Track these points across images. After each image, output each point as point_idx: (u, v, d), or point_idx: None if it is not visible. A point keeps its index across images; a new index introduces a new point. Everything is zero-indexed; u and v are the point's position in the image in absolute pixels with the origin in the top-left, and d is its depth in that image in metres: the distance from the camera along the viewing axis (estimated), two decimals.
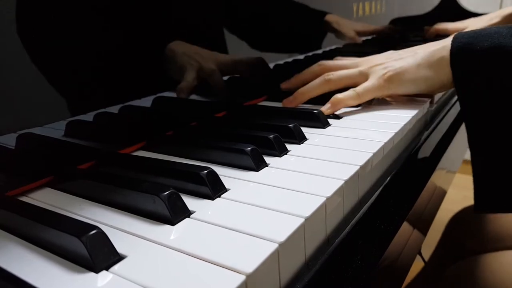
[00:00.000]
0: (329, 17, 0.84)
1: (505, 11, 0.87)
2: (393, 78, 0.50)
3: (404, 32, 1.15)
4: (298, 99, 0.54)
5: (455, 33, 0.48)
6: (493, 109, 0.42)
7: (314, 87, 0.54)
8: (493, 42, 0.43)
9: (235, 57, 0.60)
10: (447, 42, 0.48)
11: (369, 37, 1.08)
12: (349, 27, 0.92)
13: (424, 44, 0.54)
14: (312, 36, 0.85)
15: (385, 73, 0.51)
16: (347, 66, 0.56)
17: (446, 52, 0.47)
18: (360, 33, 0.97)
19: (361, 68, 0.54)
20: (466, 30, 0.82)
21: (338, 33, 0.90)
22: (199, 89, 0.55)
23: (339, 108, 0.50)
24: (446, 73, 0.48)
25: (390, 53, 0.56)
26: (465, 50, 0.45)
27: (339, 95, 0.50)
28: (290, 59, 0.76)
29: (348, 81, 0.54)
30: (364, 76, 0.53)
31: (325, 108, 0.50)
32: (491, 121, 0.43)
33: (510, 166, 0.42)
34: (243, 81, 0.62)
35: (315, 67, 0.58)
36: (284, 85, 0.59)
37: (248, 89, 0.62)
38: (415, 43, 0.81)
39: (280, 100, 0.56)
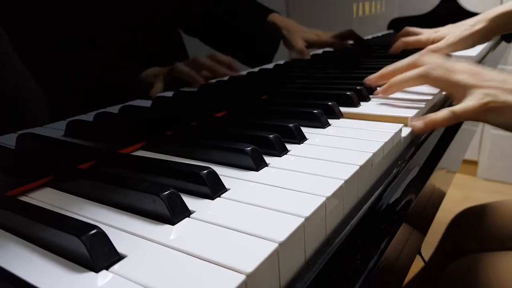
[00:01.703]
0: (274, 18, 0.64)
1: (490, 14, 0.80)
2: (493, 110, 0.46)
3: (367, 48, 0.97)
4: (392, 89, 0.54)
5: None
6: None
7: (411, 78, 0.53)
8: None
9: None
10: None
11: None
12: (299, 36, 0.71)
13: None
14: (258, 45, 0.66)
15: (487, 102, 0.46)
16: (445, 67, 0.52)
17: None
18: (311, 44, 0.77)
19: (460, 80, 0.49)
20: (448, 38, 0.79)
21: (286, 42, 0.70)
22: None
23: (430, 129, 0.48)
24: None
25: (497, 75, 0.50)
26: None
27: (434, 116, 0.47)
28: (290, 59, 0.76)
29: (443, 86, 0.52)
30: (462, 91, 0.49)
31: (417, 126, 0.47)
32: None
33: None
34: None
35: (409, 62, 0.55)
36: (370, 81, 0.58)
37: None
38: (380, 60, 0.78)
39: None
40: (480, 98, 0.47)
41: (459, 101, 0.49)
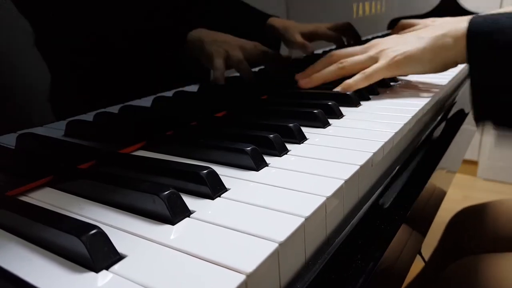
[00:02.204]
0: (272, 21, 0.68)
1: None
2: (401, 61, 0.56)
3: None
4: (314, 82, 0.61)
5: (471, 17, 0.52)
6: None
7: (329, 73, 0.60)
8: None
9: (260, 47, 0.61)
10: (450, 28, 0.55)
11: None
12: (296, 30, 0.72)
13: (426, 28, 0.60)
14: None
15: (394, 56, 0.56)
16: (357, 52, 0.60)
17: (450, 38, 0.54)
18: (309, 36, 0.76)
19: (370, 53, 0.59)
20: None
21: (285, 40, 0.71)
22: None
23: (352, 90, 0.56)
24: (449, 56, 0.55)
25: (395, 37, 0.61)
26: (482, 39, 0.50)
27: (349, 81, 0.57)
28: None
29: (360, 66, 0.58)
30: (374, 60, 0.58)
31: (338, 89, 0.57)
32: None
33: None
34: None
35: (327, 58, 0.62)
36: (299, 76, 0.63)
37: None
38: None
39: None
40: (387, 58, 0.57)
41: None
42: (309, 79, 0.60)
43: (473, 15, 0.53)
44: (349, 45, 0.91)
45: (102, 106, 0.44)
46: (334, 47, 0.92)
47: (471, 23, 0.51)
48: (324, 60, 0.62)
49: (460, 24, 0.53)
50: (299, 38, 0.72)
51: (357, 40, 0.93)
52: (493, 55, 0.49)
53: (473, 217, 0.81)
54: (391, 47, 0.58)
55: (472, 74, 0.50)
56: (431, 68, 0.57)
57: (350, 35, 0.91)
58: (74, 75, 0.40)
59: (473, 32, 0.51)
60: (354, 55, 0.60)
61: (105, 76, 0.43)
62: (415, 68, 0.57)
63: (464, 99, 0.70)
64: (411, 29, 0.86)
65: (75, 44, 0.40)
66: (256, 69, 0.66)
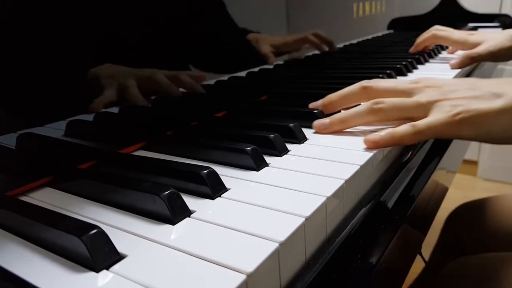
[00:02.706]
0: (250, 36, 0.67)
1: None
2: (467, 121, 0.40)
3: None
4: (335, 127, 0.44)
5: None
6: None
7: (358, 116, 0.44)
8: None
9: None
10: None
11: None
12: (266, 43, 0.70)
13: (508, 80, 0.43)
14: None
15: (457, 113, 0.40)
16: (400, 90, 0.45)
17: None
18: (278, 48, 0.73)
19: (420, 100, 0.43)
20: (490, 45, 0.76)
21: (256, 51, 0.70)
22: None
23: (387, 145, 0.40)
24: None
25: (458, 82, 0.44)
26: None
27: (394, 131, 0.40)
28: (291, 59, 0.76)
29: (402, 114, 0.43)
30: (423, 111, 0.42)
31: (372, 139, 0.40)
32: None
33: None
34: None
35: (358, 89, 0.47)
36: (314, 107, 0.50)
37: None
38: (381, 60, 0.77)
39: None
40: (449, 110, 0.40)
41: None
42: (329, 124, 0.44)
43: None
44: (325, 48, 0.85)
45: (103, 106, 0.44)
46: (341, 45, 0.91)
47: None
48: (354, 90, 0.47)
49: None
50: (265, 50, 0.69)
51: (330, 44, 0.88)
52: None
53: (472, 212, 0.81)
54: (450, 98, 0.41)
55: None
56: (503, 139, 0.41)
57: (321, 41, 0.85)
58: (74, 75, 0.40)
59: None
60: (395, 93, 0.45)
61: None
62: (482, 134, 0.40)
63: None
64: (447, 33, 0.83)
65: (74, 44, 0.40)
66: (256, 69, 0.66)
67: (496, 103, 0.39)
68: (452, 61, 0.78)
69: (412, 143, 0.42)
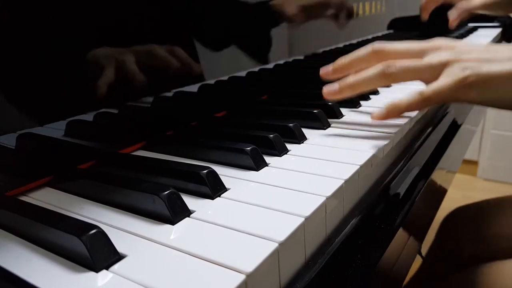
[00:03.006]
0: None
1: None
2: (475, 85, 0.38)
3: None
4: (345, 92, 0.43)
5: None
6: None
7: (368, 80, 0.42)
8: None
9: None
10: None
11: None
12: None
13: None
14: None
15: (466, 76, 0.38)
16: (411, 51, 0.43)
17: None
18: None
19: (431, 61, 0.41)
20: None
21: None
22: None
23: (396, 116, 0.40)
24: None
25: (473, 44, 0.43)
26: None
27: (399, 103, 0.40)
28: (290, 59, 0.76)
29: (414, 76, 0.42)
30: (433, 72, 0.41)
31: (378, 114, 0.40)
32: None
33: None
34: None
35: (369, 52, 0.45)
36: (326, 75, 0.48)
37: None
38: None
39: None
40: (457, 74, 0.38)
41: None
42: (339, 90, 0.44)
43: None
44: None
45: (103, 106, 0.44)
46: (341, 45, 0.91)
47: None
48: (363, 53, 0.45)
49: None
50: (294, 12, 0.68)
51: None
52: None
53: (467, 216, 0.81)
54: (462, 59, 0.40)
55: None
56: None
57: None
58: (73, 75, 0.40)
59: None
60: (407, 55, 0.43)
61: (105, 76, 0.43)
62: (494, 99, 0.39)
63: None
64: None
65: (74, 44, 0.40)
66: (256, 69, 0.66)
67: (509, 66, 0.37)
68: (451, 16, 0.82)
69: (420, 109, 0.42)
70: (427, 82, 0.41)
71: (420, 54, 0.43)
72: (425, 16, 0.92)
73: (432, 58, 0.41)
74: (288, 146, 0.41)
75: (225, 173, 0.35)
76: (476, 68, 0.38)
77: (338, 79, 0.46)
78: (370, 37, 1.13)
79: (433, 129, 0.56)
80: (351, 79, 0.43)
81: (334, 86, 0.44)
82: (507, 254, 0.66)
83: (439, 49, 0.42)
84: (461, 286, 0.63)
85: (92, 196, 0.33)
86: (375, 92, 0.61)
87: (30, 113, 0.37)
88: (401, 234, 0.34)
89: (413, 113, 0.49)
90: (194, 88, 0.53)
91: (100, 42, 0.41)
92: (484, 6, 0.82)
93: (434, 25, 1.08)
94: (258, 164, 0.36)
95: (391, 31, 1.25)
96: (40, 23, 0.37)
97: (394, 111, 0.40)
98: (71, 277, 0.23)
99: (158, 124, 0.46)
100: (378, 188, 0.40)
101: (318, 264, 0.28)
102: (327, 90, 0.44)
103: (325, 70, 0.48)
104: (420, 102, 0.40)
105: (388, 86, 0.45)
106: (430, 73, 0.41)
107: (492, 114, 2.00)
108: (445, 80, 0.39)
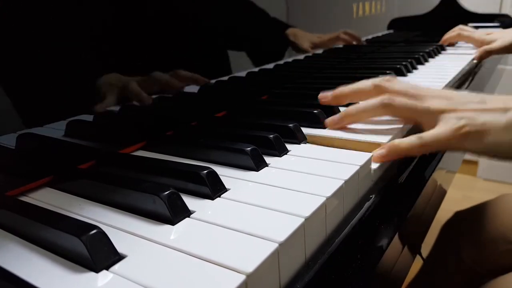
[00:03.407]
0: (289, 30, 0.74)
1: None
2: (471, 135, 0.39)
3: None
4: (346, 121, 0.46)
5: None
6: None
7: (368, 109, 0.45)
8: None
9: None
10: None
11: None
12: (306, 39, 0.80)
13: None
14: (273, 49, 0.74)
15: (462, 126, 0.39)
16: (410, 93, 0.45)
17: None
18: (316, 45, 0.84)
19: (430, 106, 0.43)
20: (504, 40, 0.90)
21: (294, 46, 0.77)
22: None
23: (395, 158, 0.40)
24: None
25: (469, 95, 0.44)
26: None
27: (399, 142, 0.40)
28: (290, 59, 0.76)
29: (411, 114, 0.44)
30: (431, 118, 0.42)
31: (378, 154, 0.40)
32: None
33: None
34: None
35: (370, 87, 0.47)
36: (324, 99, 0.51)
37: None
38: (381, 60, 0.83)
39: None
40: (454, 123, 0.40)
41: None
42: (339, 119, 0.46)
43: None
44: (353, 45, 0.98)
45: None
46: (341, 45, 0.92)
47: None
48: (365, 86, 0.48)
49: None
50: (305, 45, 0.78)
51: (358, 40, 1.01)
52: None
53: (468, 219, 0.81)
54: (459, 110, 0.41)
55: None
56: (509, 154, 0.40)
57: (351, 38, 0.98)
58: (73, 75, 0.40)
59: None
60: (407, 95, 0.45)
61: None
62: (486, 151, 0.40)
63: None
64: (470, 33, 0.99)
65: (74, 44, 0.40)
66: (256, 69, 0.66)
67: (503, 118, 0.39)
68: (474, 55, 0.90)
69: (419, 154, 0.42)
70: (422, 125, 0.43)
71: (418, 98, 0.44)
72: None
73: (431, 104, 0.43)
74: (288, 146, 0.41)
75: (225, 173, 0.35)
76: (471, 118, 0.40)
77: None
78: (370, 37, 1.13)
79: None
80: (352, 109, 0.46)
81: (335, 118, 0.47)
82: (505, 259, 0.66)
83: (437, 96, 0.44)
84: None
85: (92, 196, 0.33)
86: None
87: (30, 113, 0.37)
88: (401, 234, 0.34)
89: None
90: (194, 88, 0.53)
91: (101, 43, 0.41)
92: (503, 49, 0.90)
93: (434, 25, 1.08)
94: (258, 165, 0.36)
95: (391, 31, 1.25)
96: (40, 23, 0.37)
97: (395, 153, 0.40)
98: (71, 277, 0.23)
99: (158, 124, 0.46)
100: (378, 188, 0.40)
101: (318, 264, 0.28)
102: (329, 121, 0.47)
103: (324, 95, 0.51)
104: (419, 147, 0.40)
105: None
106: (426, 117, 0.43)
107: None
108: (442, 128, 0.40)
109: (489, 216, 0.74)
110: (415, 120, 0.44)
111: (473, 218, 0.78)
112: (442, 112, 0.42)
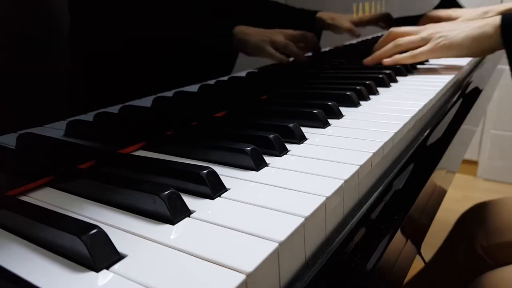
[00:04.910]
0: (320, 14, 0.82)
1: (501, 7, 0.92)
2: (445, 46, 0.70)
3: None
4: (376, 59, 0.77)
5: (504, 13, 0.70)
6: None
7: (387, 51, 0.76)
8: None
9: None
10: (490, 21, 0.68)
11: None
12: (345, 19, 0.89)
13: (470, 21, 0.73)
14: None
15: (440, 41, 0.70)
16: (412, 32, 0.75)
17: (490, 29, 0.67)
18: (356, 24, 0.92)
19: (423, 35, 0.73)
20: (460, 18, 0.97)
21: (334, 28, 0.86)
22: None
23: (398, 64, 0.73)
24: (488, 43, 0.68)
25: (446, 24, 0.76)
26: None
27: (398, 56, 0.73)
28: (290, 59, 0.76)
29: (413, 45, 0.73)
30: (425, 41, 0.72)
31: (387, 60, 0.74)
32: None
33: None
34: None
35: (386, 35, 0.79)
36: (368, 60, 0.79)
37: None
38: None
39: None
40: (435, 41, 0.71)
41: None
42: (372, 59, 0.77)
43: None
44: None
45: (102, 106, 0.44)
46: (341, 45, 0.92)
47: (504, 17, 0.66)
48: (384, 38, 0.79)
49: (496, 18, 0.66)
50: (347, 24, 0.90)
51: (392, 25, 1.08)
52: None
53: (483, 214, 0.81)
54: (440, 32, 0.71)
55: (509, 56, 0.65)
56: (470, 53, 0.71)
57: (388, 23, 1.10)
58: (74, 75, 0.40)
59: (506, 23, 0.65)
60: (410, 34, 0.74)
61: (105, 76, 0.43)
62: (456, 52, 0.70)
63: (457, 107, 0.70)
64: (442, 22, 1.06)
65: (75, 44, 0.40)
66: (256, 69, 0.66)
67: (463, 32, 0.70)
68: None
69: (411, 62, 0.75)
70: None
71: (417, 32, 0.75)
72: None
73: (424, 33, 0.74)
74: (288, 146, 0.41)
75: (225, 173, 0.35)
76: (445, 36, 0.71)
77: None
78: (370, 37, 1.13)
79: (433, 129, 0.56)
80: (379, 53, 0.77)
81: (369, 58, 0.78)
82: None
83: (429, 28, 0.75)
84: None
85: (92, 196, 0.33)
86: (375, 93, 0.61)
87: (30, 113, 0.37)
88: (401, 234, 0.34)
89: (413, 112, 0.50)
90: (194, 88, 0.53)
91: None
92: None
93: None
94: (258, 164, 0.36)
95: (419, 22, 1.24)
96: (39, 23, 0.37)
97: (396, 62, 0.73)
98: (71, 277, 0.23)
99: (158, 124, 0.46)
100: (378, 188, 0.40)
101: (318, 264, 0.28)
102: (365, 60, 0.79)
103: (366, 61, 0.81)
104: (410, 58, 0.73)
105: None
106: (423, 43, 0.73)
107: (492, 114, 2.00)
108: (428, 45, 0.72)
109: (506, 210, 0.76)
110: (417, 47, 0.73)
111: (490, 211, 0.80)
112: (430, 36, 0.73)
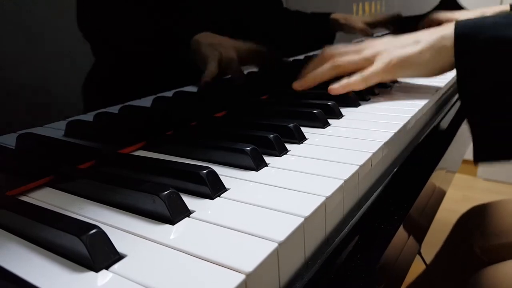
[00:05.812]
0: (334, 16, 0.82)
1: (500, 8, 0.91)
2: (397, 65, 0.55)
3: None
4: (308, 83, 0.60)
5: (455, 21, 0.52)
6: (492, 90, 0.48)
7: (323, 73, 0.59)
8: (494, 34, 0.48)
9: (252, 45, 0.62)
10: (447, 31, 0.53)
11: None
12: (358, 19, 0.88)
13: (423, 31, 0.58)
14: (322, 39, 0.84)
15: (390, 60, 0.55)
16: (350, 51, 0.59)
17: (447, 41, 0.53)
18: (370, 25, 0.92)
19: (366, 55, 0.58)
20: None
21: (348, 28, 0.85)
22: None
23: (346, 91, 0.56)
24: (446, 60, 0.54)
25: (391, 39, 0.60)
26: (468, 40, 0.50)
27: (347, 81, 0.56)
28: (290, 59, 0.76)
29: (355, 66, 0.58)
30: (369, 62, 0.57)
31: (335, 87, 0.56)
32: (489, 101, 0.49)
33: (505, 123, 0.48)
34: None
35: (319, 56, 0.61)
36: (297, 84, 0.62)
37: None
38: None
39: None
40: (384, 61, 0.56)
41: None
42: (303, 81, 0.60)
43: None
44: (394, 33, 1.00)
45: (102, 106, 0.44)
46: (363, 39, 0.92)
47: (456, 25, 0.52)
48: (317, 59, 0.61)
49: (451, 27, 0.53)
50: (359, 25, 0.86)
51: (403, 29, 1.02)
52: (476, 54, 0.49)
53: (481, 215, 0.81)
54: (387, 50, 0.57)
55: (459, 79, 0.51)
56: (428, 72, 0.56)
57: (397, 24, 1.04)
58: (74, 75, 0.40)
59: (458, 33, 0.51)
60: (348, 54, 0.59)
61: (105, 76, 0.43)
62: (412, 72, 0.56)
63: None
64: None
65: (75, 44, 0.40)
66: (256, 69, 0.66)
67: (416, 48, 0.55)
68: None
69: (363, 88, 0.57)
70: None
71: (358, 51, 0.59)
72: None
73: (366, 53, 0.58)
74: (288, 146, 0.41)
75: (225, 173, 0.35)
76: (394, 54, 0.56)
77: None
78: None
79: (433, 129, 0.56)
80: (312, 75, 0.60)
81: (298, 83, 0.61)
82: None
83: (371, 46, 0.59)
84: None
85: (92, 196, 0.33)
86: (374, 93, 0.61)
87: (30, 113, 0.37)
88: (401, 234, 0.34)
89: (414, 112, 0.50)
90: (194, 88, 0.53)
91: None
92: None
93: (434, 25, 1.07)
94: (258, 164, 0.36)
95: (423, 22, 1.24)
96: (38, 23, 0.37)
97: (345, 88, 0.56)
98: (71, 277, 0.23)
99: (158, 124, 0.46)
100: (378, 188, 0.40)
101: (318, 264, 0.28)
102: (295, 83, 0.61)
103: (297, 83, 0.63)
104: (362, 81, 0.56)
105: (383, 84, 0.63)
106: (366, 63, 0.57)
107: None
108: (376, 65, 0.56)
109: (504, 212, 0.76)
110: (360, 69, 0.57)
111: (488, 213, 0.80)
112: (376, 55, 0.57)
